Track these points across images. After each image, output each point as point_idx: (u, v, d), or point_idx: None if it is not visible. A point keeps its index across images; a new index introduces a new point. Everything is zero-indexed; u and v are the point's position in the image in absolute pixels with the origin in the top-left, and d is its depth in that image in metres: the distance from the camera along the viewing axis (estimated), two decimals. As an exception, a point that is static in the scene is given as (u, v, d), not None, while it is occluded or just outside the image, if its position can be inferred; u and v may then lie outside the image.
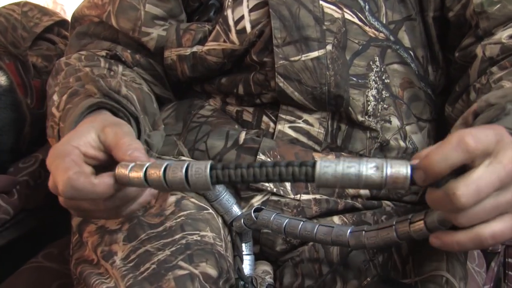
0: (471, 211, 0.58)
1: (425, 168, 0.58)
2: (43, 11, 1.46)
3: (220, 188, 0.88)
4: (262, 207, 0.86)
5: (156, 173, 0.64)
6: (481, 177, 0.57)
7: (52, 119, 0.86)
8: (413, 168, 0.58)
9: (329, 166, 0.59)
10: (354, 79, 0.89)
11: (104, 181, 0.66)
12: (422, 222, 0.67)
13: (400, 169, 0.57)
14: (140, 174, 0.65)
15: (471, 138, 0.57)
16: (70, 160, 0.67)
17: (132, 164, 0.66)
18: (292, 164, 0.60)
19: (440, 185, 0.58)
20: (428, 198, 0.60)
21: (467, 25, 0.90)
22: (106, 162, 0.71)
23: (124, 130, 0.72)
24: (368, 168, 0.58)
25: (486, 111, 0.72)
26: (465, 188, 0.56)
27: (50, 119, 0.87)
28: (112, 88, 0.85)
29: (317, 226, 0.78)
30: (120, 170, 0.66)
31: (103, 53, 0.99)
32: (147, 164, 0.65)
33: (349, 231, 0.75)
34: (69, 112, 0.81)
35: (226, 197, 0.88)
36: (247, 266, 0.86)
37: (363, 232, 0.73)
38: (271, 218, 0.81)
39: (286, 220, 0.80)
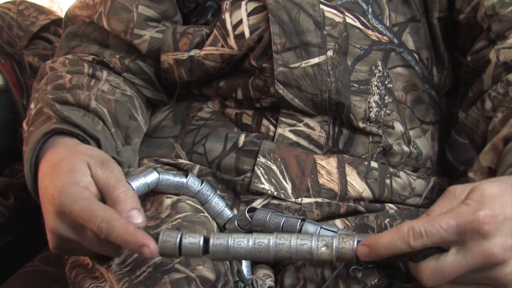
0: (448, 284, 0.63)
1: (370, 246, 0.64)
2: (40, 9, 1.47)
3: (208, 192, 0.89)
4: (256, 207, 0.87)
5: (221, 244, 0.68)
6: (448, 265, 0.62)
7: (23, 134, 0.88)
8: (359, 244, 0.65)
9: (283, 243, 0.66)
10: (356, 85, 0.90)
11: (138, 236, 0.68)
12: None
13: (347, 245, 0.65)
14: (200, 246, 0.68)
15: (417, 234, 0.62)
16: (98, 202, 0.70)
17: (183, 234, 0.69)
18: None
19: (401, 260, 0.65)
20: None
21: (478, 28, 0.91)
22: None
23: (114, 175, 0.74)
24: (319, 246, 0.66)
25: None
26: (430, 275, 0.62)
27: (22, 132, 0.89)
28: (80, 102, 0.86)
29: (319, 229, 0.80)
30: (167, 239, 0.69)
31: (90, 58, 0.99)
32: (204, 234, 0.69)
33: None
34: (31, 136, 0.82)
35: (215, 200, 0.90)
36: (244, 268, 0.87)
37: None
38: (267, 218, 0.83)
39: (284, 219, 0.82)
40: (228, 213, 0.90)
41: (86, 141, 0.81)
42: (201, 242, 0.68)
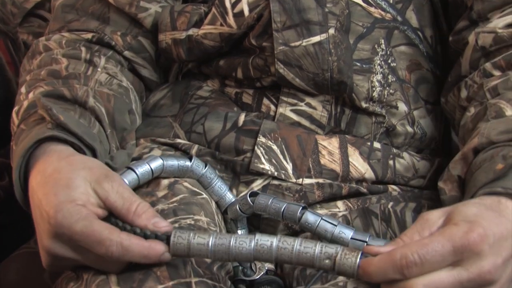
0: None
1: (363, 271, 0.64)
2: (34, -15, 1.45)
3: (211, 175, 0.90)
4: (258, 191, 0.87)
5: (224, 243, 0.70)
6: (442, 280, 0.61)
7: (12, 124, 0.87)
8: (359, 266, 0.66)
9: (286, 248, 0.68)
10: (358, 64, 0.91)
11: (156, 247, 0.70)
12: None
13: (348, 262, 0.66)
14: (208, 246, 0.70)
15: (411, 263, 0.61)
16: (99, 222, 0.71)
17: (191, 233, 0.71)
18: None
19: None
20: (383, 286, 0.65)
21: (464, 6, 0.91)
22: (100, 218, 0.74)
23: (125, 188, 0.75)
24: (322, 258, 0.67)
25: (488, 151, 0.74)
26: None
27: (11, 121, 0.88)
28: (78, 98, 0.86)
29: (319, 220, 0.81)
30: (179, 239, 0.71)
31: (89, 35, 0.98)
32: (213, 237, 0.71)
33: (350, 236, 0.79)
34: (21, 136, 0.81)
35: (218, 184, 0.90)
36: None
37: (365, 244, 0.78)
38: (269, 203, 0.84)
39: (285, 205, 0.83)
40: (230, 197, 0.91)
41: (81, 150, 0.81)
42: (210, 244, 0.70)
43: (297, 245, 0.68)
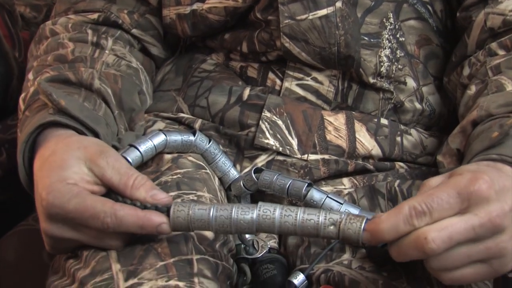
0: (442, 257, 0.63)
1: (373, 232, 0.65)
2: (31, -44, 1.45)
3: (215, 150, 0.91)
4: (262, 167, 0.87)
5: (225, 212, 0.70)
6: (454, 224, 0.62)
7: (19, 111, 0.88)
8: (364, 229, 0.66)
9: (289, 215, 0.68)
10: (366, 38, 0.91)
11: (152, 217, 0.71)
12: None
13: (353, 227, 0.66)
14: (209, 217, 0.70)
15: (419, 213, 0.62)
16: (92, 197, 0.72)
17: (191, 204, 0.71)
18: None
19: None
20: (393, 246, 0.65)
21: None
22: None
23: (122, 163, 0.76)
24: (326, 224, 0.67)
25: (486, 123, 0.76)
26: (437, 234, 0.62)
27: (18, 107, 0.89)
28: (83, 81, 0.87)
29: (324, 198, 0.81)
30: (179, 207, 0.71)
31: (95, 16, 0.99)
32: (215, 205, 0.71)
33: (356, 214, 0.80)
34: (25, 122, 0.83)
35: (222, 159, 0.91)
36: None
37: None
38: (274, 179, 0.84)
39: (290, 181, 0.83)
40: (234, 173, 0.91)
41: (84, 134, 0.82)
42: (211, 213, 0.70)
43: (300, 213, 0.68)
